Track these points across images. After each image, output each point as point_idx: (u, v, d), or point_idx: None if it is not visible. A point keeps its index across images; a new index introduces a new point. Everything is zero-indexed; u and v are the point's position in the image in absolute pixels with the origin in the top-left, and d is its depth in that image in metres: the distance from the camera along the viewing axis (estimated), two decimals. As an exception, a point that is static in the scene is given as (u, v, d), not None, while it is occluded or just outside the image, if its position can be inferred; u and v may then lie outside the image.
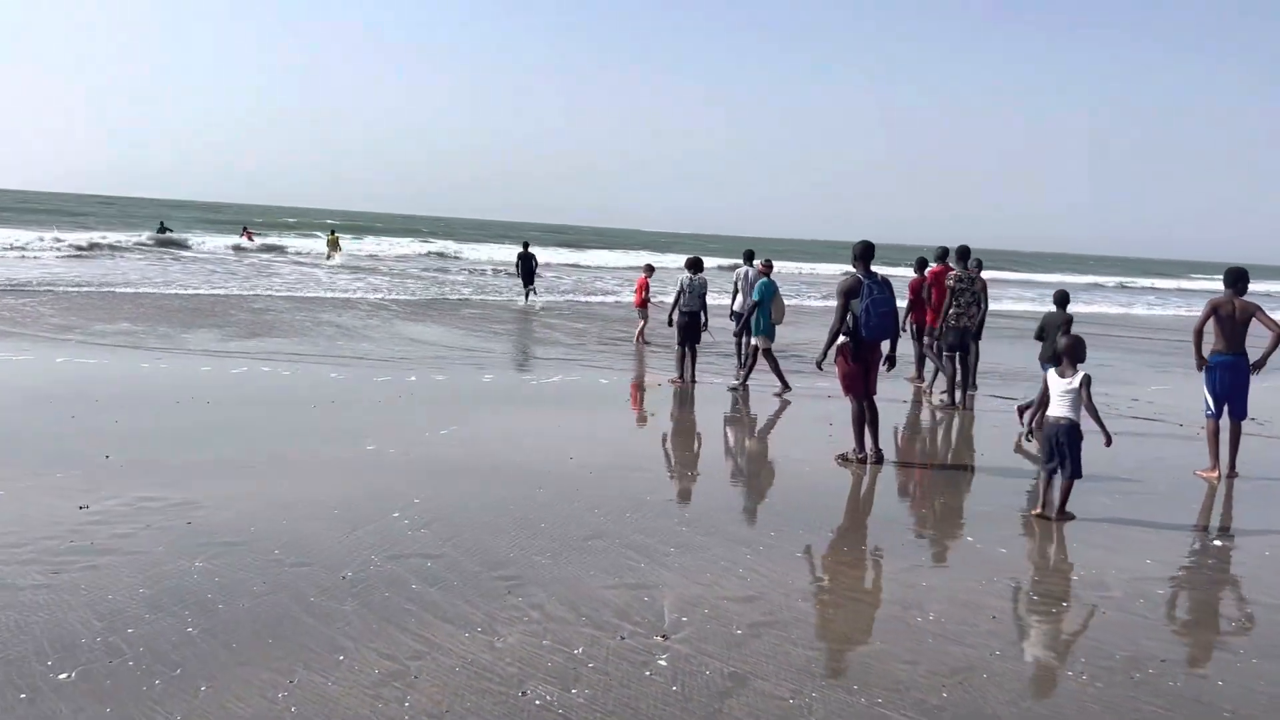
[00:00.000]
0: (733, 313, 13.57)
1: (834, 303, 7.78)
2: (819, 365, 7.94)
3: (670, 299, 12.65)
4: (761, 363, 11.77)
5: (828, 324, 7.98)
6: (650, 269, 17.08)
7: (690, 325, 12.45)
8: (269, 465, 6.90)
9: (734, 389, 11.64)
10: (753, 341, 11.90)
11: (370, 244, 49.63)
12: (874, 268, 7.74)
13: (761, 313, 11.58)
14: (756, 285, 11.82)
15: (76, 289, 20.33)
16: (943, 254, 12.38)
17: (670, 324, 12.67)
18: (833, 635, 4.28)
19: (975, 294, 11.02)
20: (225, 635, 4.01)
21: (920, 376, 12.61)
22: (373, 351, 13.42)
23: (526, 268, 23.04)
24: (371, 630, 4.12)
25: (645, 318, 16.11)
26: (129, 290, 20.82)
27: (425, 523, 5.67)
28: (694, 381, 12.29)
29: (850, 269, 7.82)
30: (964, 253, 11.13)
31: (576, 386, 11.60)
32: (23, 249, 31.37)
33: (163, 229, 43.62)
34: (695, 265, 13.07)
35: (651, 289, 16.44)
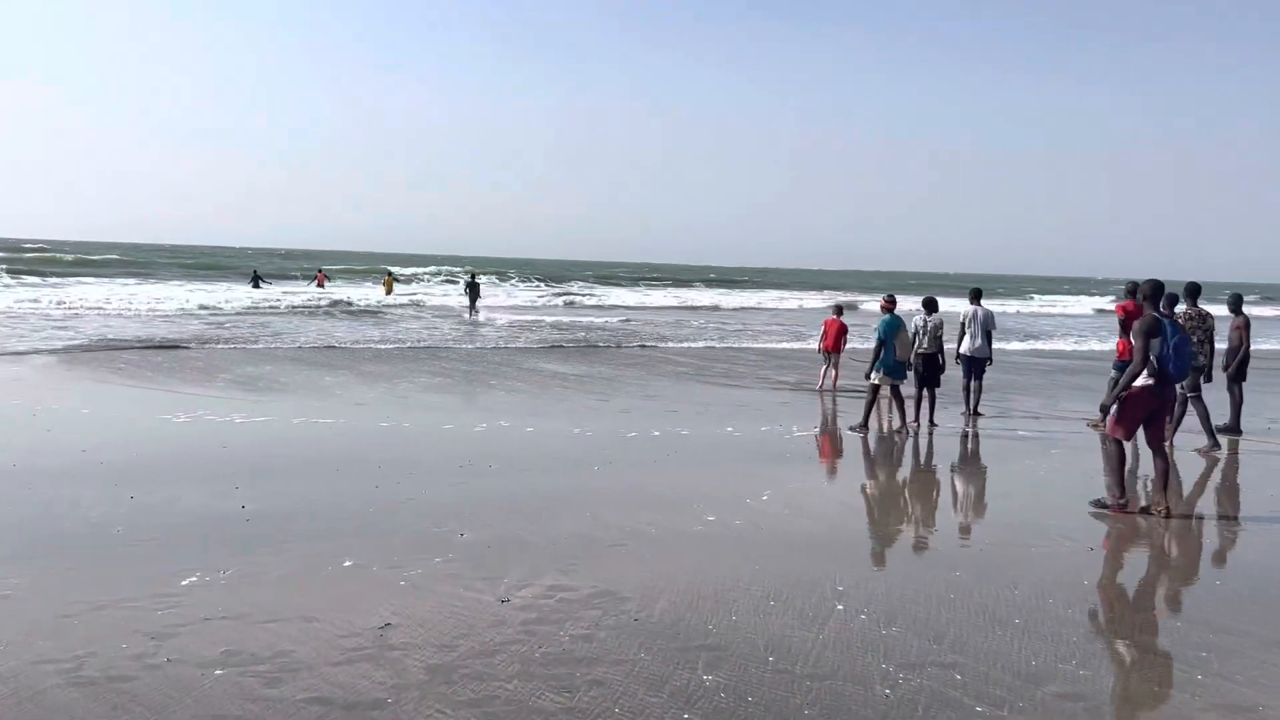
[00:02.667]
0: (959, 355, 12.83)
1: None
2: (1104, 410, 7.44)
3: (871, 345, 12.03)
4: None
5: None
6: (840, 310, 16.23)
7: (929, 367, 11.94)
8: (636, 542, 6.33)
9: (854, 428, 11.24)
10: (873, 378, 11.41)
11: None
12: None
13: (886, 350, 11.21)
14: (878, 323, 11.45)
15: (230, 345, 20.41)
16: (1132, 289, 11.96)
17: (908, 367, 12.08)
18: None
19: (1207, 331, 10.59)
20: (851, 783, 3.37)
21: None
22: (586, 404, 12.94)
23: (473, 294, 30.94)
24: (1005, 774, 3.45)
25: (836, 364, 15.29)
26: (295, 345, 20.85)
27: (883, 618, 5.02)
28: (934, 425, 11.67)
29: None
30: (1194, 290, 10.83)
31: (828, 440, 10.92)
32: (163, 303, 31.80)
33: (257, 281, 43.88)
34: (930, 305, 12.42)
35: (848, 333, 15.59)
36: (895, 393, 11.58)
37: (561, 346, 21.77)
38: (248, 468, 8.27)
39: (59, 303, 28.06)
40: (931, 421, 11.74)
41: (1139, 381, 7.18)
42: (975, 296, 13.03)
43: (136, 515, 6.66)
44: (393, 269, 52.87)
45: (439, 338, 22.79)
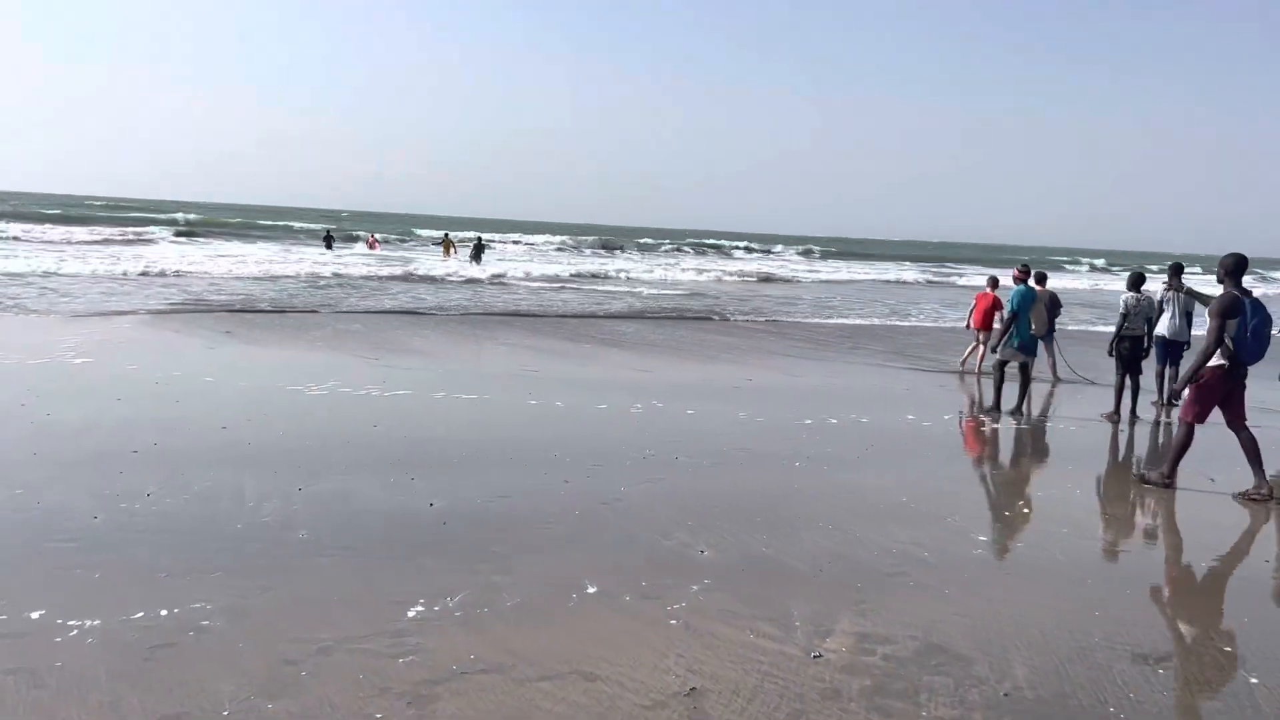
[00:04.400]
0: (1155, 337, 11.42)
1: None
2: (1175, 395, 7.29)
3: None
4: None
5: None
6: (996, 282, 14.73)
7: (1134, 352, 10.66)
8: (915, 569, 5.21)
9: (1012, 413, 10.35)
10: (1000, 354, 10.52)
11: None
12: None
13: (1019, 324, 10.29)
14: (1011, 294, 10.47)
15: (328, 309, 19.64)
16: None
17: (1110, 352, 10.80)
18: None
19: None
20: None
21: None
22: (728, 382, 11.84)
23: (478, 252, 35.66)
24: None
25: (986, 342, 13.89)
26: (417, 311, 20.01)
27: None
28: (1135, 418, 10.40)
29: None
30: None
31: (1033, 434, 9.68)
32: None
33: (329, 243, 43.19)
34: (1137, 282, 11.04)
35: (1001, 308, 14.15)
36: (1024, 372, 10.54)
37: (647, 316, 20.67)
38: (414, 453, 7.31)
39: (146, 262, 27.63)
40: (1134, 413, 10.46)
41: (1213, 363, 6.91)
42: (1175, 272, 11.58)
43: (315, 513, 5.71)
44: (449, 233, 51.85)
45: (521, 303, 21.85)
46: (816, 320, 21.24)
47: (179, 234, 47.61)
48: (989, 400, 10.63)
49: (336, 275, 26.95)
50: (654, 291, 27.83)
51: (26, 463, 6.53)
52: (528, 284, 28.30)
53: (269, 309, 17.80)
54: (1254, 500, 6.92)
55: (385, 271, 28.81)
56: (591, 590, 4.69)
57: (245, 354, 12.27)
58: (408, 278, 27.89)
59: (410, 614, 4.31)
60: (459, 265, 33.83)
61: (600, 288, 28.46)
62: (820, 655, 4.06)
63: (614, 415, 9.26)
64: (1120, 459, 8.79)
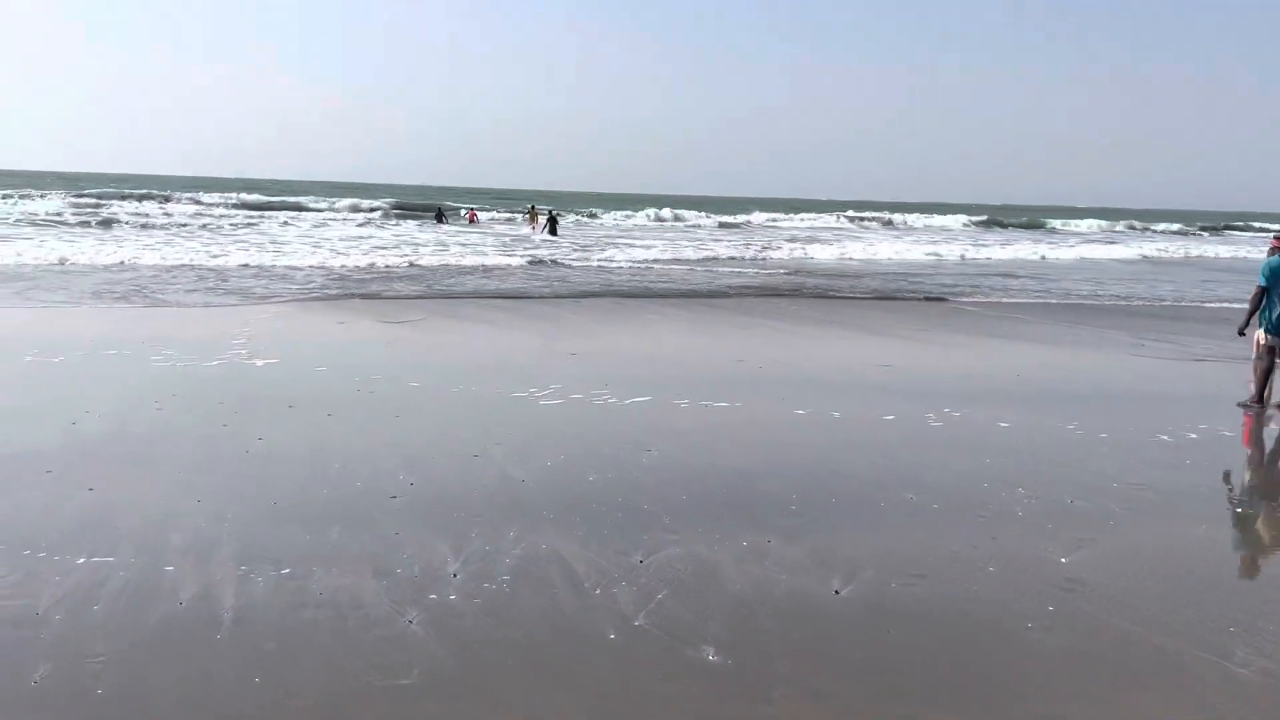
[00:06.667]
0: None
1: None
2: None
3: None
4: None
5: None
6: None
7: None
8: None
9: (1246, 405, 8.68)
10: (1257, 336, 8.67)
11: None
12: None
13: (1270, 300, 8.49)
14: (1261, 266, 8.72)
15: (482, 297, 18.19)
16: None
17: None
18: None
19: None
20: None
21: None
22: (1007, 384, 9.91)
23: (553, 225, 35.96)
24: None
25: None
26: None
27: None
28: None
29: None
30: None
31: None
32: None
33: (440, 217, 42.25)
34: None
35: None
36: (1270, 355, 8.65)
37: (835, 295, 18.75)
38: (729, 496, 5.66)
39: (275, 245, 26.62)
40: None
41: None
42: None
43: (692, 610, 4.09)
44: (535, 204, 50.38)
45: (650, 281, 20.18)
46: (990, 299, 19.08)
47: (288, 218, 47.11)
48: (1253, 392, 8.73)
49: (453, 259, 25.57)
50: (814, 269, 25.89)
51: (270, 519, 5.02)
52: (658, 263, 26.58)
53: (415, 294, 16.44)
54: None
55: (499, 249, 27.38)
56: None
57: (429, 348, 10.86)
58: (507, 259, 26.38)
59: None
60: (538, 237, 34.01)
61: (721, 267, 26.67)
62: None
63: (915, 430, 7.46)
64: None
